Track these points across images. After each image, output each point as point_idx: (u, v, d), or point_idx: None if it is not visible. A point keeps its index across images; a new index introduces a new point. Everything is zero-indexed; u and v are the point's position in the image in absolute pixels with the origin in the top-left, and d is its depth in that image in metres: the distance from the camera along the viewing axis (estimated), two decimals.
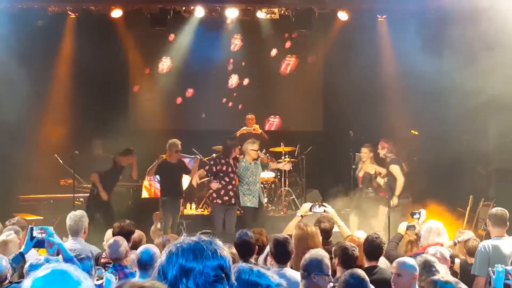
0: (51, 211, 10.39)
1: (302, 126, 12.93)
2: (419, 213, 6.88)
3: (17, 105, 10.62)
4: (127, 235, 6.18)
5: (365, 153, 10.12)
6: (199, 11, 11.54)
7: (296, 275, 5.06)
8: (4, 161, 10.71)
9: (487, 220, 6.30)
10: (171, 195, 9.99)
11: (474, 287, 5.89)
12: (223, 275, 2.24)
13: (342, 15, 11.45)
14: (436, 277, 4.40)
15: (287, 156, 11.25)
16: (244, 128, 11.53)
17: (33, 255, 5.18)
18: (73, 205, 9.65)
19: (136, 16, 11.72)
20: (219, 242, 2.30)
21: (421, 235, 6.34)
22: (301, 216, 6.86)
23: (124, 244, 5.62)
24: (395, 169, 9.82)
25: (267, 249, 5.43)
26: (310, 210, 6.93)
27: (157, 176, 10.35)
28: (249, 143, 9.77)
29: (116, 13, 11.50)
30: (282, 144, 11.29)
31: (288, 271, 5.12)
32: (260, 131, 11.60)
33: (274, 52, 12.94)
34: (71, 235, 6.26)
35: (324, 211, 6.88)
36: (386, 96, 11.54)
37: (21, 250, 4.93)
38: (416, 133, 10.95)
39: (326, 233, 6.31)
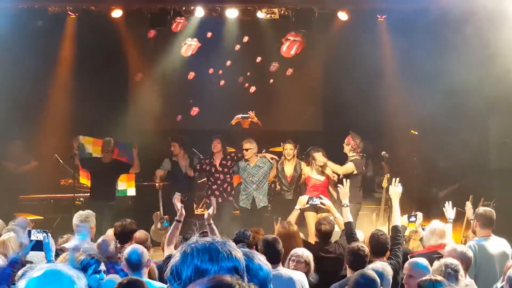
0: (51, 211, 10.40)
1: (302, 126, 12.91)
2: (415, 216, 6.86)
3: (16, 105, 10.64)
4: (128, 234, 6.22)
5: (290, 149, 9.76)
6: (199, 11, 11.54)
7: (291, 274, 5.05)
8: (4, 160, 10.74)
9: (475, 220, 6.30)
10: (100, 198, 9.46)
11: None
12: (238, 277, 2.24)
13: (342, 15, 11.43)
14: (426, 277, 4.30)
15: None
16: (239, 115, 11.38)
17: (40, 259, 5.20)
18: (73, 205, 9.67)
19: (136, 16, 11.71)
20: (232, 244, 2.27)
21: (424, 236, 6.34)
22: (300, 209, 6.88)
23: (112, 243, 5.65)
24: (348, 166, 9.39)
25: None
26: (308, 202, 6.97)
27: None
28: (244, 142, 9.74)
29: (116, 13, 11.50)
30: (282, 144, 11.25)
31: (283, 270, 5.12)
32: (256, 119, 11.48)
33: (273, 52, 12.91)
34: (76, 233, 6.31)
35: (321, 203, 6.92)
36: (386, 96, 11.53)
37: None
38: (416, 133, 10.93)
39: (327, 235, 6.33)
